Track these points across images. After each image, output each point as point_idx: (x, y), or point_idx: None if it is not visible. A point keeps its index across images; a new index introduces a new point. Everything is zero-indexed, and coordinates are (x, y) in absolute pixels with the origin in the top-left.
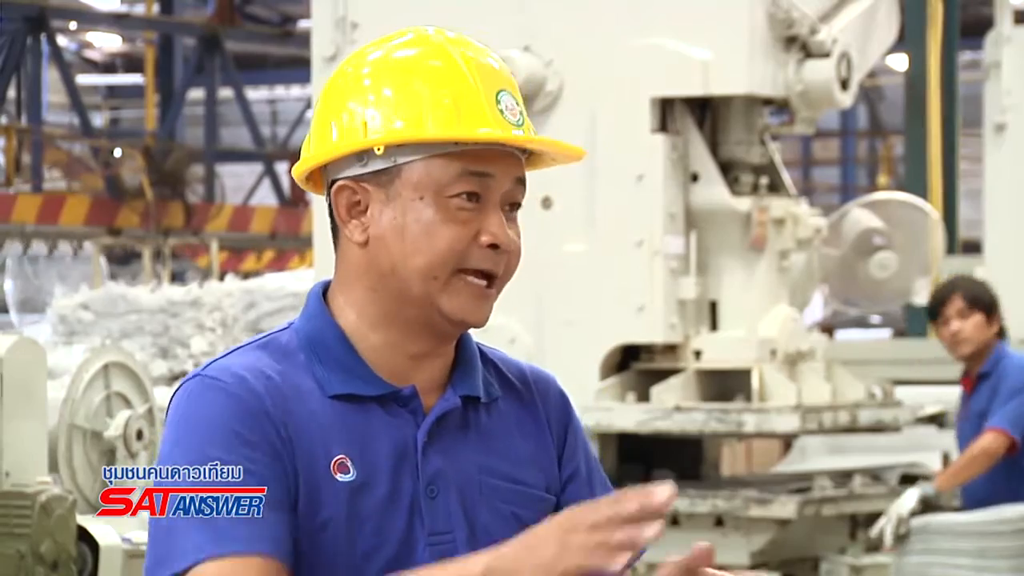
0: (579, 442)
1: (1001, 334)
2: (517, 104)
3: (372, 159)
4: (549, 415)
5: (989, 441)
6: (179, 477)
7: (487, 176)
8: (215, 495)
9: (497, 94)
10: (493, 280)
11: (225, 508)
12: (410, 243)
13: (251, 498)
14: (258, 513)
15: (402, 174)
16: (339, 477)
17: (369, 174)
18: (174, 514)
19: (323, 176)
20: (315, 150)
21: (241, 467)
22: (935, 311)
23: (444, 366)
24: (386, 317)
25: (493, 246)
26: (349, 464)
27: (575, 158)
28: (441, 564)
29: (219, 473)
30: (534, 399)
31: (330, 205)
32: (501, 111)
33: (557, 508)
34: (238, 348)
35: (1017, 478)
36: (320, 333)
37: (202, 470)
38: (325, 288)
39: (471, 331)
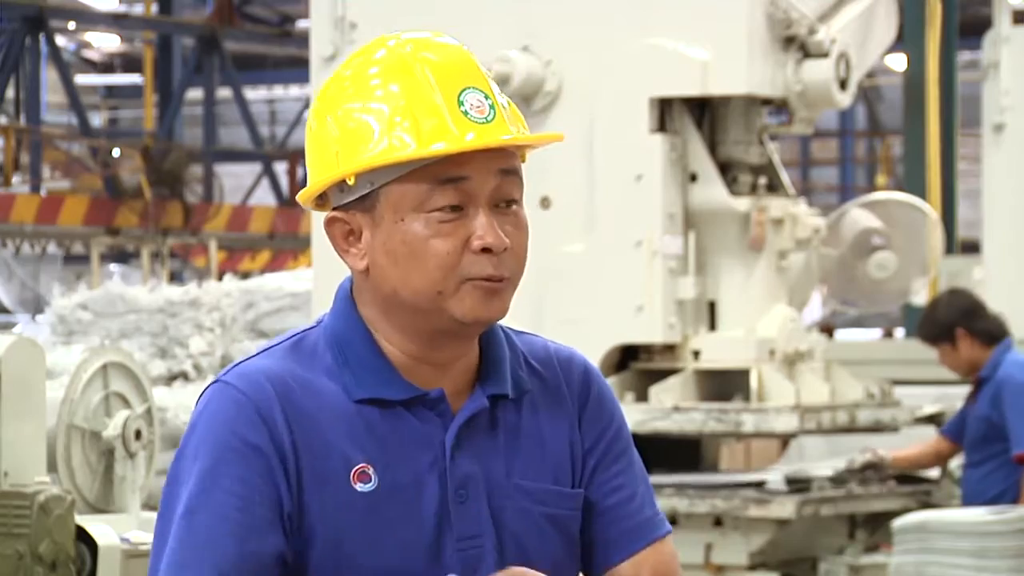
0: (602, 416)
1: (995, 336)
2: (487, 98)
3: (351, 187)
4: (573, 398)
5: None
6: (179, 489)
7: (463, 179)
8: (201, 517)
9: (460, 94)
10: (500, 278)
11: (206, 534)
12: (403, 266)
13: (235, 525)
14: (236, 544)
15: (381, 197)
16: (358, 487)
17: (355, 201)
18: (167, 524)
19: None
20: (308, 184)
21: (234, 490)
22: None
23: (470, 367)
24: (402, 332)
25: (485, 249)
26: (371, 472)
27: (556, 140)
28: None
29: (212, 494)
30: (560, 384)
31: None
32: (465, 112)
33: (587, 505)
34: (267, 348)
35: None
36: (348, 334)
37: (197, 491)
38: (352, 284)
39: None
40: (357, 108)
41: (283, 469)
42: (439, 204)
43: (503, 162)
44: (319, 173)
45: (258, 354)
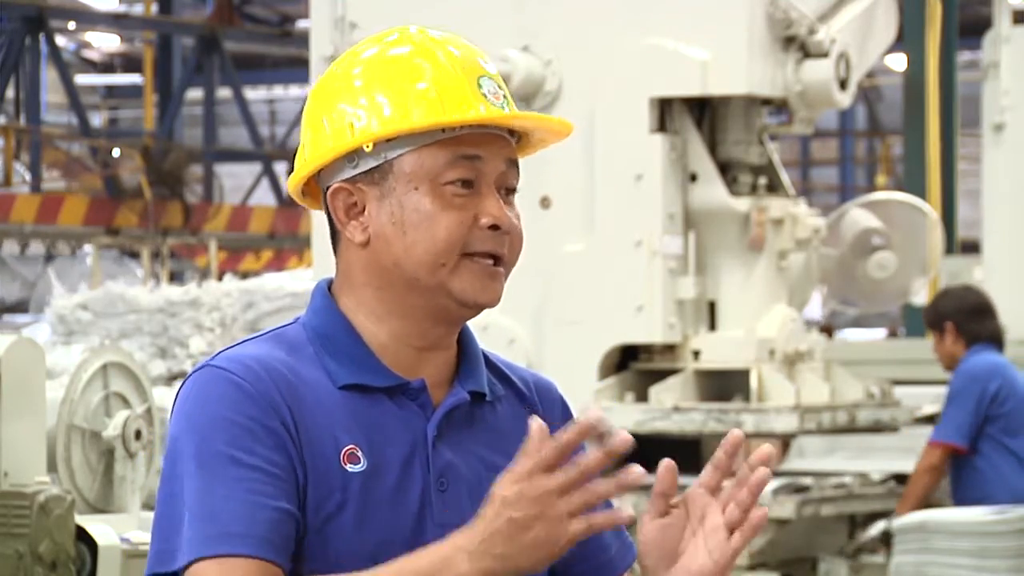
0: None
1: (976, 339)
2: (500, 89)
3: (363, 158)
4: (553, 422)
5: (928, 457)
6: (182, 469)
7: (477, 159)
8: (218, 489)
9: (478, 79)
10: (499, 261)
11: (225, 503)
12: (411, 235)
13: (252, 493)
14: (257, 510)
15: (394, 168)
16: (349, 467)
17: (362, 174)
18: (176, 507)
19: (319, 186)
20: (308, 158)
21: (244, 461)
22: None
23: (450, 361)
24: (394, 312)
25: (494, 227)
26: (359, 454)
27: (564, 134)
28: (415, 555)
29: (222, 466)
30: (537, 404)
31: (328, 211)
32: (484, 95)
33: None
34: (247, 340)
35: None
36: (328, 326)
37: (206, 463)
38: (329, 284)
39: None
40: (379, 82)
41: (294, 447)
42: (453, 177)
43: (510, 151)
44: (332, 144)
45: (237, 345)
